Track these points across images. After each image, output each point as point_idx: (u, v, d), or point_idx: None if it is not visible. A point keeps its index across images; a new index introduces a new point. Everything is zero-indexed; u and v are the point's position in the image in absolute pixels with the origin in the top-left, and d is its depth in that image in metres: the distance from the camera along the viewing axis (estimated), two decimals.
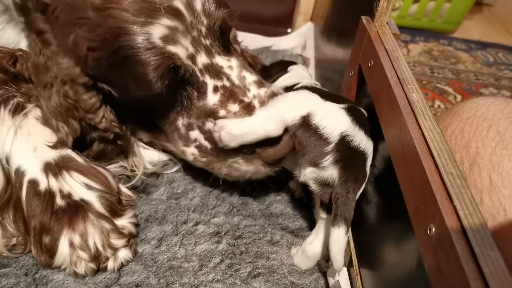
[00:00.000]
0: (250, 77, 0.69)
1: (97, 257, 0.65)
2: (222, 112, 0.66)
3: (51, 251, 0.64)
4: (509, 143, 0.54)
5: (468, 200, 0.40)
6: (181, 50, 0.61)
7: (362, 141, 0.62)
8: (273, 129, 0.61)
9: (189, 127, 0.70)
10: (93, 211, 0.66)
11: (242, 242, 0.74)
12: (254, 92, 0.67)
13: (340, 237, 0.58)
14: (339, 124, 0.62)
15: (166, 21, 0.59)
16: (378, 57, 0.63)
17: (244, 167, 0.68)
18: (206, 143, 0.69)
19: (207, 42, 0.65)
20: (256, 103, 0.67)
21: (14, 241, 0.67)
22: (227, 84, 0.66)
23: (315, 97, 0.66)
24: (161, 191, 0.82)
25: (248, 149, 0.65)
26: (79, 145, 0.72)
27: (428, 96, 1.51)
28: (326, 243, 0.67)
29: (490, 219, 0.50)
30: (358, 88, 0.78)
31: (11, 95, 0.69)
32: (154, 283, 0.66)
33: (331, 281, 0.67)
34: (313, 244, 0.67)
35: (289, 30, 1.51)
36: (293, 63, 0.93)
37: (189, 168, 0.86)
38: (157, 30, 0.58)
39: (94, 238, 0.64)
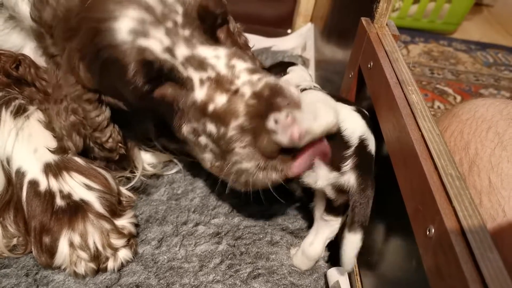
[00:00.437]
0: (242, 65, 0.61)
1: (97, 257, 0.65)
2: (210, 107, 0.59)
3: (51, 251, 0.64)
4: (508, 144, 0.54)
5: (467, 201, 0.41)
6: (153, 43, 0.57)
7: (373, 145, 0.61)
8: (336, 122, 0.57)
9: (196, 133, 0.64)
10: (93, 211, 0.66)
11: (242, 242, 0.74)
12: (244, 78, 0.59)
13: (356, 242, 0.58)
14: (357, 127, 0.60)
15: (132, 13, 0.56)
16: (377, 58, 0.63)
17: (245, 164, 0.61)
18: (214, 147, 0.63)
19: (186, 32, 0.59)
20: (246, 90, 0.58)
21: (14, 241, 0.68)
22: (212, 74, 0.59)
23: (331, 98, 0.63)
24: (162, 192, 0.82)
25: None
26: (82, 153, 0.72)
27: (427, 97, 1.51)
28: (326, 243, 0.68)
29: (489, 220, 0.50)
30: (358, 89, 0.78)
31: (13, 97, 0.70)
32: (154, 284, 0.66)
33: (330, 281, 0.68)
34: (314, 245, 0.67)
35: (289, 31, 1.51)
36: (292, 64, 0.92)
37: (189, 169, 0.86)
38: (123, 24, 0.56)
39: (94, 238, 0.64)
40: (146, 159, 0.84)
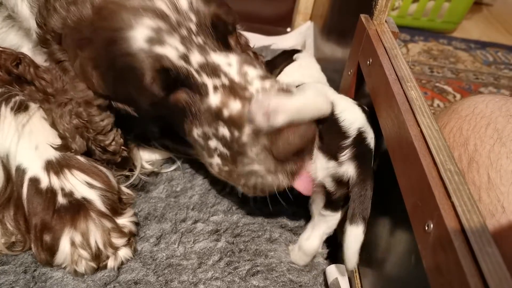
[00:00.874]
0: (254, 72, 0.64)
1: (98, 256, 0.65)
2: (225, 112, 0.61)
3: (52, 249, 0.64)
4: (507, 140, 0.54)
5: (466, 197, 0.41)
6: (170, 50, 0.59)
7: (372, 139, 0.62)
8: (325, 106, 0.58)
9: (206, 137, 0.66)
10: (95, 209, 0.66)
11: (241, 240, 0.74)
12: (257, 86, 0.62)
13: (358, 235, 0.58)
14: (357, 119, 0.61)
15: (147, 22, 0.58)
16: (376, 55, 0.63)
17: (256, 167, 0.63)
18: (225, 150, 0.64)
19: (200, 40, 0.62)
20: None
21: (13, 239, 0.67)
22: (226, 81, 0.62)
23: (332, 90, 0.64)
24: (160, 189, 0.82)
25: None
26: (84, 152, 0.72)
27: (427, 95, 1.51)
28: (323, 238, 0.68)
29: (488, 216, 0.50)
30: (357, 87, 0.78)
31: (13, 93, 0.70)
32: (153, 281, 0.66)
33: (329, 278, 0.68)
34: (310, 240, 0.67)
35: (288, 29, 1.51)
36: (297, 51, 0.90)
37: (188, 167, 0.86)
38: (139, 32, 0.57)
39: (96, 237, 0.64)
40: (145, 156, 0.84)
